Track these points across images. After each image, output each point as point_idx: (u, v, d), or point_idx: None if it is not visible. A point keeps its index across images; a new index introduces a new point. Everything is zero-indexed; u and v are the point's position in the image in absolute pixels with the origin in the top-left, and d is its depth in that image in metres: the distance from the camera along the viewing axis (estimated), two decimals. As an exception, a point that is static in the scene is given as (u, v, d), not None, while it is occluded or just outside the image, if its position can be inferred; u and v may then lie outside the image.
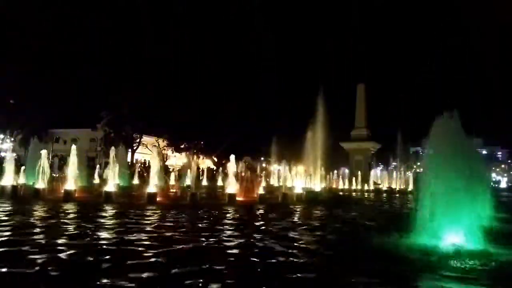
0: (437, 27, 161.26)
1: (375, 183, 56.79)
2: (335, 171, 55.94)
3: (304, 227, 13.03)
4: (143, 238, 9.65)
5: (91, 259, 7.16)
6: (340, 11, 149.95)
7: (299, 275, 6.49)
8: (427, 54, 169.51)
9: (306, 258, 7.84)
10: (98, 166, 34.80)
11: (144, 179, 31.86)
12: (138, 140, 55.32)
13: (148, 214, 15.38)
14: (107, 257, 7.29)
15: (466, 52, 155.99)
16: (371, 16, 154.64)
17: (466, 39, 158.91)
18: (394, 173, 59.03)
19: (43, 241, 8.85)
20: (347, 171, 59.61)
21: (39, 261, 6.81)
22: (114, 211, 16.28)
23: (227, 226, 12.45)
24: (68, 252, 7.65)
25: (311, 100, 41.69)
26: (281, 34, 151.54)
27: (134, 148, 56.89)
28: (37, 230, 10.54)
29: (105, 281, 5.75)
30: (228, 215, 16.17)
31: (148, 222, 13.02)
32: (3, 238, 9.02)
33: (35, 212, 15.05)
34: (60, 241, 8.93)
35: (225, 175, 41.90)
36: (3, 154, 39.16)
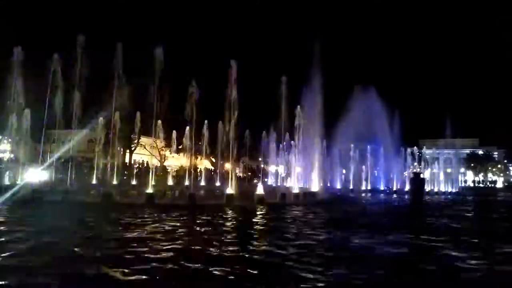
0: (436, 29, 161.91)
1: (372, 183, 57.02)
2: (333, 172, 56.02)
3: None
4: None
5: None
6: (340, 10, 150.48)
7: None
8: (427, 56, 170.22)
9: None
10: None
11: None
12: (136, 141, 55.26)
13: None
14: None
15: (464, 53, 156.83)
16: (371, 17, 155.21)
17: (465, 40, 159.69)
18: (392, 173, 59.16)
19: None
20: (344, 171, 59.73)
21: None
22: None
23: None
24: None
25: (309, 99, 41.54)
26: (278, 33, 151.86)
27: (132, 149, 56.78)
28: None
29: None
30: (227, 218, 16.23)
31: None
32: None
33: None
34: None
35: (223, 176, 41.91)
36: (0, 155, 39.07)
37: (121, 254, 7.77)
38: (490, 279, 7.07)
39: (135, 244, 8.84)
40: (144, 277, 6.21)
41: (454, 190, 59.42)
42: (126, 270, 6.47)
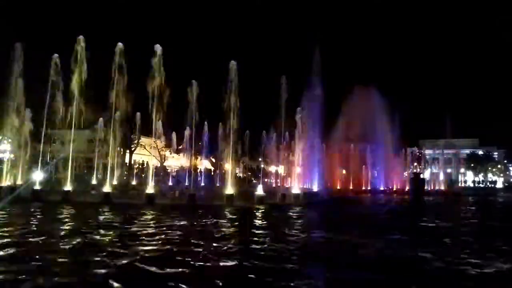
0: (436, 29, 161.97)
1: (372, 183, 57.01)
2: (333, 172, 55.96)
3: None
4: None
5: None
6: (341, 10, 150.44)
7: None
8: (427, 56, 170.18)
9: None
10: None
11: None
12: (136, 141, 55.21)
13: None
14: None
15: (464, 53, 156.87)
16: (372, 17, 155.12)
17: (465, 40, 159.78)
18: (392, 173, 59.12)
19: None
20: (344, 171, 59.72)
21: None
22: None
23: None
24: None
25: (309, 99, 41.46)
26: (279, 33, 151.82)
27: (132, 149, 56.70)
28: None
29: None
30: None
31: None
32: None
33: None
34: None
35: (223, 176, 41.90)
36: (0, 155, 39.03)
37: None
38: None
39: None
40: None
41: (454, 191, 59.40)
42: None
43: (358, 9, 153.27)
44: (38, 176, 24.33)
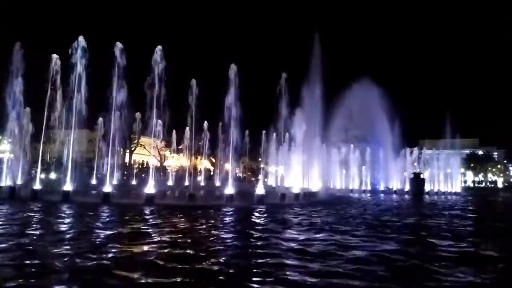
0: (436, 29, 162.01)
1: (372, 183, 57.05)
2: (333, 172, 56.00)
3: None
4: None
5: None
6: (340, 11, 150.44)
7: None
8: (427, 56, 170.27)
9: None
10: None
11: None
12: (136, 141, 55.30)
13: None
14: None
15: (464, 53, 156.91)
16: (372, 18, 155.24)
17: (465, 40, 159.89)
18: (392, 173, 59.17)
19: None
20: (344, 171, 59.76)
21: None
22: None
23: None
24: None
25: (308, 99, 41.48)
26: (278, 34, 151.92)
27: (132, 149, 56.78)
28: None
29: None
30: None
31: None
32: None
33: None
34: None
35: (223, 176, 41.95)
36: (0, 155, 39.07)
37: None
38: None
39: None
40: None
41: (454, 191, 59.48)
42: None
43: (357, 9, 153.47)
44: (38, 176, 24.36)
